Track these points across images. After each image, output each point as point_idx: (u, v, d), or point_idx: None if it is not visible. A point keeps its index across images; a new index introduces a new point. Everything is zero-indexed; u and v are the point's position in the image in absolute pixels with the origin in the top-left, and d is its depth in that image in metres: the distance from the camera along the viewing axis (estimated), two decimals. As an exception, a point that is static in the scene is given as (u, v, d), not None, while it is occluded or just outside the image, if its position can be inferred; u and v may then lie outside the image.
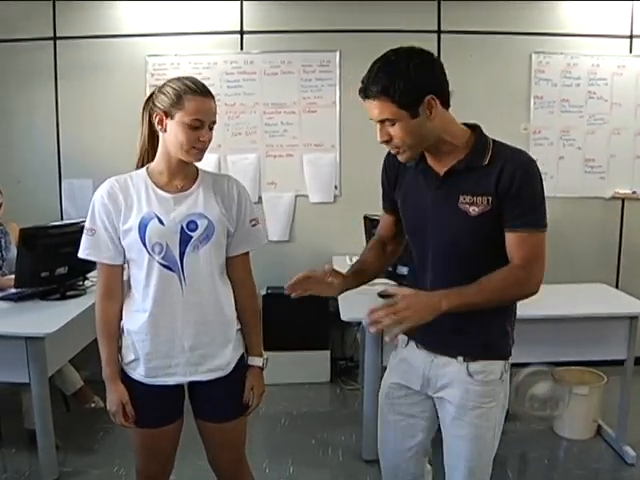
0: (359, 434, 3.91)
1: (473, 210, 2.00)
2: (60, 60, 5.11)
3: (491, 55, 5.09)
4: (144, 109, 2.31)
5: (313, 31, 5.02)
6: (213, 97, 2.24)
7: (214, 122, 2.24)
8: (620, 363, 3.71)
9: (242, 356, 2.41)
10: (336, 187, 5.18)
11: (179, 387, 2.34)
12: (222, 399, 2.36)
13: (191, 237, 2.22)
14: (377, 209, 2.49)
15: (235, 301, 2.39)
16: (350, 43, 5.01)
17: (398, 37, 4.92)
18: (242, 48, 5.09)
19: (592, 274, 4.71)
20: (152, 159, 2.32)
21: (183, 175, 2.28)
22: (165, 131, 2.21)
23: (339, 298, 3.91)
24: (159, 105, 2.20)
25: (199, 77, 4.99)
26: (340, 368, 5.22)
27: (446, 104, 2.01)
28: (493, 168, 2.00)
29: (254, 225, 2.38)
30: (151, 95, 2.28)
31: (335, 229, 5.03)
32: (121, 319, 2.31)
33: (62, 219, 5.07)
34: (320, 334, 5.01)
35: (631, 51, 5.12)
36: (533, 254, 2.03)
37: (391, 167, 2.25)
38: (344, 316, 3.54)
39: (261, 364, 2.43)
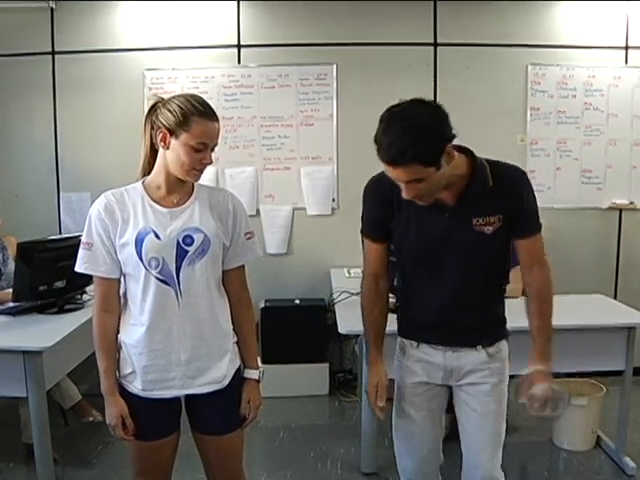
0: (358, 447, 3.90)
1: (488, 230, 2.21)
2: (58, 74, 5.13)
3: (487, 67, 5.11)
4: (146, 121, 2.31)
5: (310, 44, 5.04)
6: (218, 119, 2.24)
7: (216, 144, 2.25)
8: (619, 374, 3.71)
9: (239, 369, 2.41)
10: (334, 200, 5.19)
11: (176, 400, 2.34)
12: (219, 412, 2.36)
13: (187, 251, 2.23)
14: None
15: (231, 314, 2.39)
16: (347, 56, 5.03)
17: (395, 50, 4.98)
18: (239, 62, 5.11)
19: (590, 285, 4.71)
20: (151, 172, 2.32)
21: (180, 190, 2.29)
22: (167, 149, 2.21)
23: (337, 311, 3.93)
24: (163, 121, 2.20)
25: (196, 91, 5.06)
26: (339, 381, 5.21)
27: None
28: (498, 189, 2.18)
29: (249, 238, 2.38)
30: (154, 106, 2.28)
31: (333, 242, 5.03)
32: (118, 332, 2.31)
33: (60, 233, 5.07)
34: (318, 347, 5.00)
35: (627, 62, 5.14)
36: (543, 251, 2.39)
37: (387, 198, 2.27)
38: (342, 329, 3.53)
39: (257, 377, 2.43)
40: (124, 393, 2.30)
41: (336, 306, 4.11)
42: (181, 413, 2.40)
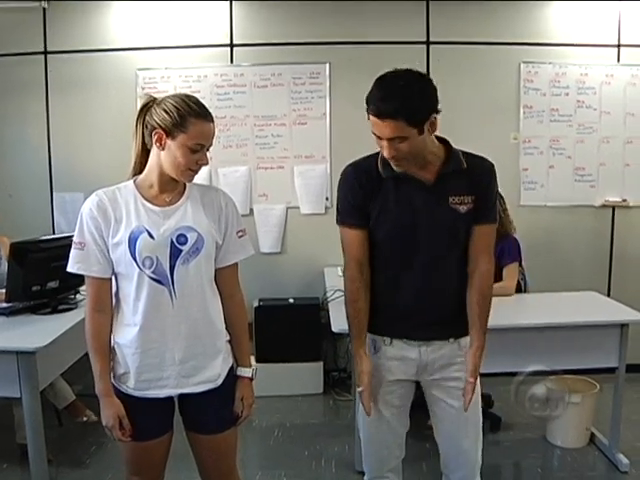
0: (352, 445, 3.90)
1: (462, 208, 2.30)
2: (51, 74, 5.12)
3: (480, 65, 5.12)
4: (138, 120, 2.30)
5: (303, 43, 5.05)
6: (213, 119, 2.24)
7: (212, 144, 2.25)
8: (612, 371, 3.72)
9: (232, 367, 2.41)
10: (327, 198, 5.20)
11: (169, 400, 2.34)
12: (213, 411, 2.36)
13: (181, 251, 2.22)
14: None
15: (223, 312, 2.39)
16: (340, 55, 5.03)
17: (387, 49, 4.98)
18: (232, 61, 5.10)
19: (583, 282, 4.72)
20: (142, 171, 2.32)
21: (172, 189, 2.29)
22: (163, 149, 2.20)
23: (330, 309, 3.93)
24: (159, 122, 2.19)
25: (189, 90, 5.05)
26: (333, 379, 5.21)
27: None
28: (471, 171, 2.30)
29: (241, 236, 2.38)
30: (146, 105, 2.28)
31: (327, 240, 5.01)
32: (111, 332, 2.30)
33: (54, 233, 5.06)
34: (312, 346, 5.01)
35: (619, 60, 5.15)
36: (492, 245, 2.42)
37: (366, 181, 2.33)
38: (335, 327, 3.53)
39: (250, 375, 2.42)
40: (118, 393, 2.29)
41: (330, 305, 4.12)
42: (174, 413, 2.40)
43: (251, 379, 2.43)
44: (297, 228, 5.24)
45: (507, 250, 4.10)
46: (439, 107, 2.18)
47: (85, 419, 4.08)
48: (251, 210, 5.18)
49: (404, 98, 2.09)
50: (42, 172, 5.20)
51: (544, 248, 5.18)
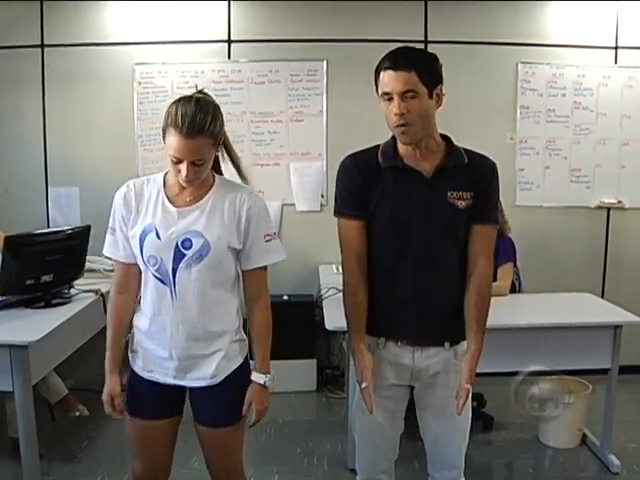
0: (345, 443, 3.91)
1: (460, 204, 2.27)
2: (48, 68, 5.10)
3: (477, 65, 5.12)
4: None
5: (300, 40, 5.04)
6: (206, 134, 2.15)
7: (200, 160, 2.17)
8: (605, 372, 3.73)
9: (241, 366, 2.40)
10: (323, 196, 5.20)
11: (176, 388, 2.37)
12: (213, 406, 2.39)
13: (185, 255, 2.23)
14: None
15: (248, 313, 2.41)
16: (337, 53, 5.03)
17: (385, 47, 4.91)
18: (229, 57, 5.10)
19: (578, 283, 4.73)
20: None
21: (194, 189, 2.28)
22: None
23: (324, 307, 3.93)
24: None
25: (186, 86, 5.05)
26: (326, 377, 5.21)
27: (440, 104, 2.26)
28: (472, 168, 2.29)
29: (268, 240, 2.35)
30: None
31: (322, 238, 5.01)
32: (132, 313, 2.39)
33: (49, 227, 5.05)
34: (306, 343, 5.01)
35: (616, 62, 5.16)
36: (492, 246, 2.38)
37: (366, 171, 2.32)
38: (329, 325, 3.53)
39: (263, 382, 2.40)
40: (129, 369, 2.41)
41: (324, 302, 4.12)
42: (183, 401, 2.44)
43: (264, 386, 2.40)
44: (292, 225, 5.24)
45: (502, 250, 4.10)
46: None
47: (77, 414, 4.07)
48: (247, 206, 5.16)
49: (419, 56, 2.20)
50: (38, 166, 5.18)
51: (539, 248, 5.19)
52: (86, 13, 5.02)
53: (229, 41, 5.08)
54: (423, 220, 2.27)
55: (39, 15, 5.02)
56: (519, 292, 4.35)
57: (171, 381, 2.35)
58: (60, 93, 5.11)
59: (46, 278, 3.68)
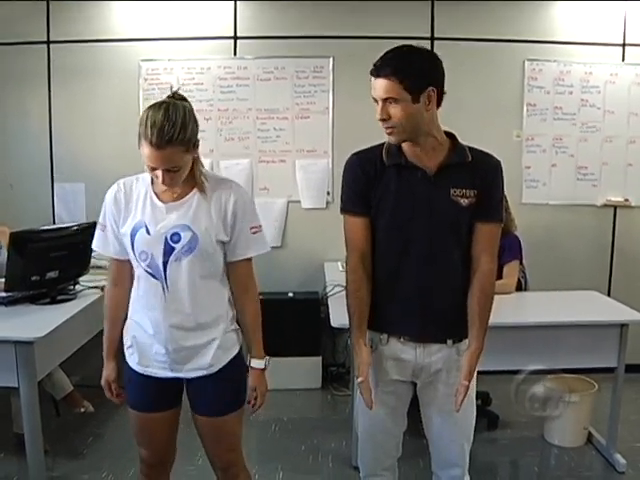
0: (349, 441, 3.90)
1: (463, 202, 2.27)
2: (53, 64, 5.10)
3: (484, 62, 5.10)
4: None
5: (307, 37, 5.03)
6: (176, 144, 2.14)
7: (174, 167, 2.18)
8: (611, 371, 3.72)
9: (236, 356, 2.45)
10: (328, 193, 5.19)
11: (174, 380, 2.41)
12: (211, 395, 2.42)
13: (174, 248, 2.28)
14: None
15: (236, 304, 2.45)
16: (343, 49, 5.02)
17: (392, 44, 4.89)
18: (235, 53, 5.09)
19: (584, 281, 4.72)
20: None
21: (179, 186, 2.31)
22: None
23: (330, 304, 3.93)
24: None
25: (192, 82, 5.05)
26: (331, 374, 5.21)
27: (439, 103, 2.24)
28: (475, 165, 2.29)
29: (255, 232, 2.40)
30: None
31: (327, 235, 5.01)
32: (127, 305, 2.44)
33: (54, 223, 5.05)
34: (311, 340, 5.00)
35: (624, 59, 5.13)
36: (496, 245, 2.38)
37: (370, 169, 2.32)
38: (334, 322, 3.54)
39: (262, 366, 2.48)
40: (125, 364, 2.45)
41: (329, 299, 4.11)
42: (181, 392, 2.48)
43: (263, 370, 2.49)
44: (298, 222, 5.24)
45: (508, 248, 4.09)
46: (445, 89, 2.23)
47: (82, 410, 4.07)
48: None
49: (401, 61, 2.15)
50: (43, 162, 5.19)
51: (545, 246, 5.17)
52: (92, 9, 5.01)
53: (235, 38, 5.07)
54: (426, 218, 2.27)
55: (45, 11, 5.02)
56: (525, 290, 4.34)
57: (168, 374, 2.39)
58: (66, 89, 5.11)
59: (51, 274, 3.68)
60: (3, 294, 3.63)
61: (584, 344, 3.66)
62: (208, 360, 2.36)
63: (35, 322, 3.32)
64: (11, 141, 5.18)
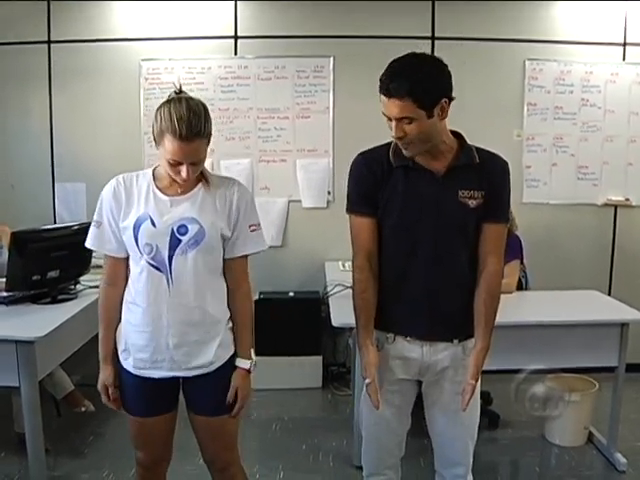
0: (350, 440, 3.91)
1: (472, 203, 2.27)
2: (54, 63, 5.10)
3: (485, 62, 5.10)
4: None
5: (307, 37, 5.03)
6: (199, 137, 2.18)
7: (199, 160, 2.23)
8: (611, 370, 3.72)
9: (233, 355, 2.45)
10: (329, 192, 5.19)
11: (170, 381, 2.40)
12: (208, 394, 2.42)
13: (180, 241, 2.28)
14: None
15: (229, 302, 2.43)
16: (344, 49, 5.02)
17: (392, 43, 4.95)
18: (236, 53, 5.09)
19: (584, 281, 4.72)
20: None
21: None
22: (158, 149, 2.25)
23: (330, 304, 3.92)
24: (153, 125, 2.23)
25: (193, 82, 5.04)
26: (332, 374, 5.21)
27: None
28: (483, 166, 2.29)
29: (253, 230, 2.41)
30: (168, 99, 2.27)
31: (328, 234, 5.02)
32: (121, 306, 2.42)
33: (55, 223, 5.06)
34: (312, 340, 5.00)
35: (624, 59, 5.13)
36: (502, 245, 2.38)
37: (377, 169, 2.32)
38: (335, 322, 3.53)
39: (248, 366, 2.44)
40: (120, 367, 2.43)
41: (330, 299, 4.10)
42: (177, 394, 2.46)
43: (248, 371, 2.44)
44: (298, 222, 5.24)
45: (509, 247, 4.05)
46: (453, 95, 2.21)
47: (83, 409, 4.08)
48: (253, 203, 5.16)
49: (414, 79, 2.09)
50: (44, 162, 5.19)
51: (546, 246, 5.18)
52: (93, 9, 5.01)
53: (236, 37, 5.07)
54: (433, 219, 2.27)
55: (46, 11, 5.03)
56: (526, 289, 4.34)
57: (166, 374, 2.37)
58: (67, 89, 5.11)
59: (52, 274, 3.68)
60: (4, 294, 3.64)
61: (585, 343, 3.66)
62: (210, 358, 2.36)
63: (36, 322, 3.32)
64: (12, 141, 5.18)
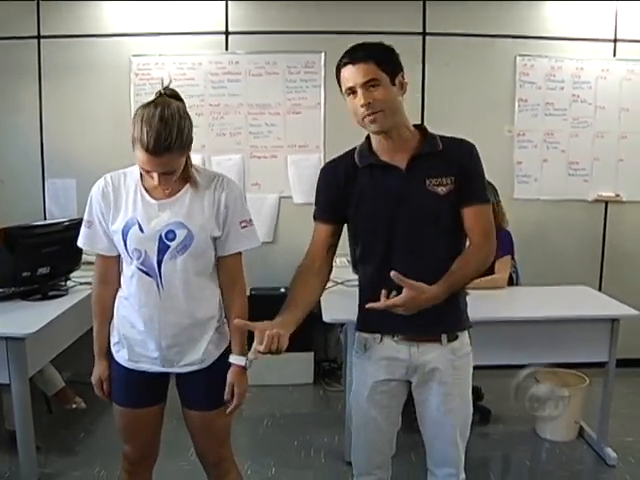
0: (342, 436, 3.91)
1: (441, 190, 2.25)
2: (44, 59, 5.08)
3: (476, 57, 5.10)
4: None
5: (298, 32, 5.02)
6: (172, 150, 2.11)
7: (171, 171, 2.18)
8: (602, 365, 3.73)
9: (225, 350, 2.45)
10: (320, 188, 5.18)
11: (161, 375, 2.42)
12: (201, 389, 2.43)
13: (169, 246, 2.27)
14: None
15: (223, 299, 2.45)
16: (335, 44, 4.93)
17: (383, 39, 4.88)
18: (227, 49, 5.08)
19: (575, 276, 4.72)
20: None
21: (170, 182, 2.29)
22: None
23: (322, 300, 3.91)
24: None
25: (183, 77, 5.02)
26: (323, 370, 5.21)
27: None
28: (448, 152, 2.27)
29: (244, 227, 2.40)
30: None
31: (319, 230, 5.02)
32: (115, 302, 2.42)
33: (45, 219, 5.04)
34: (303, 336, 4.94)
35: (615, 55, 5.15)
36: (490, 226, 2.32)
37: (340, 173, 2.34)
38: (326, 317, 3.53)
39: (243, 363, 2.41)
40: (112, 359, 2.44)
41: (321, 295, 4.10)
42: (167, 388, 2.49)
43: (244, 368, 2.42)
44: (290, 218, 5.23)
45: (499, 243, 4.07)
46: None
47: (74, 406, 4.06)
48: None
49: (373, 47, 2.21)
50: (34, 158, 5.16)
51: (536, 241, 5.19)
52: (83, 4, 4.99)
53: (227, 33, 5.06)
54: (404, 213, 2.25)
55: (35, 6, 4.99)
56: (516, 285, 4.35)
57: (159, 369, 2.39)
58: (57, 85, 5.09)
59: (43, 270, 3.67)
60: (-6, 290, 3.63)
61: (575, 339, 3.67)
62: (199, 356, 2.38)
63: (26, 318, 3.31)
64: (2, 137, 5.15)
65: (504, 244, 4.14)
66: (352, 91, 2.20)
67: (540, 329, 3.63)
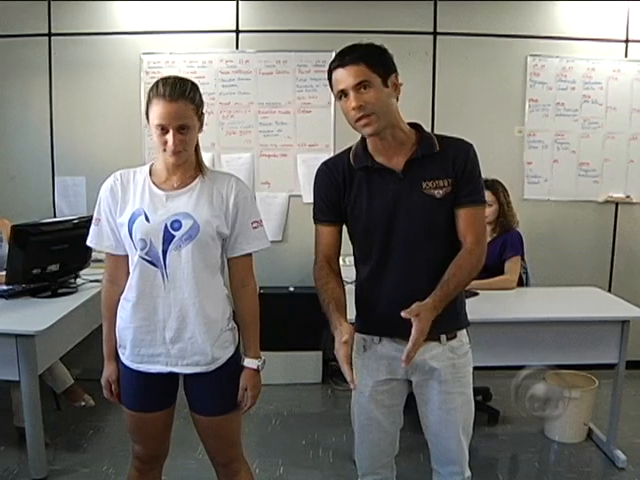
0: (350, 435, 3.89)
1: (438, 193, 2.23)
2: (55, 57, 5.08)
3: (487, 57, 5.08)
4: None
5: (309, 31, 5.01)
6: (188, 97, 2.20)
7: (183, 126, 2.20)
8: (611, 367, 3.71)
9: (233, 355, 2.43)
10: (330, 187, 5.17)
11: (169, 377, 2.39)
12: (208, 394, 2.41)
13: (174, 236, 2.27)
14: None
15: (234, 301, 2.44)
16: (346, 44, 4.95)
17: (394, 38, 4.94)
18: (237, 47, 5.08)
19: (585, 278, 4.72)
20: None
21: (181, 173, 2.32)
22: None
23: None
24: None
25: (194, 76, 5.01)
26: (332, 369, 5.19)
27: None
28: (445, 153, 2.24)
29: (255, 227, 2.40)
30: None
31: (329, 230, 5.01)
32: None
33: (55, 216, 5.05)
34: (312, 335, 5.00)
35: (626, 55, 5.12)
36: (482, 228, 2.33)
37: (339, 175, 2.34)
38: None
39: (256, 366, 2.43)
40: (120, 362, 2.43)
41: (330, 294, 4.10)
42: (176, 390, 2.46)
43: (257, 370, 2.44)
44: (299, 217, 5.23)
45: (510, 244, 4.10)
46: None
47: (83, 404, 4.08)
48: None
49: (364, 49, 2.21)
50: (44, 155, 5.17)
51: (546, 242, 5.17)
52: (93, 2, 4.99)
53: (237, 31, 5.06)
54: (401, 216, 2.24)
55: (46, 4, 5.00)
56: (526, 286, 4.34)
57: (164, 369, 2.36)
58: (67, 82, 5.10)
59: (52, 268, 3.69)
60: (4, 287, 3.65)
61: (585, 340, 3.66)
62: (206, 358, 2.35)
63: (36, 315, 3.32)
64: (12, 134, 5.17)
65: (514, 244, 4.14)
66: (344, 94, 2.18)
67: (549, 330, 3.62)
